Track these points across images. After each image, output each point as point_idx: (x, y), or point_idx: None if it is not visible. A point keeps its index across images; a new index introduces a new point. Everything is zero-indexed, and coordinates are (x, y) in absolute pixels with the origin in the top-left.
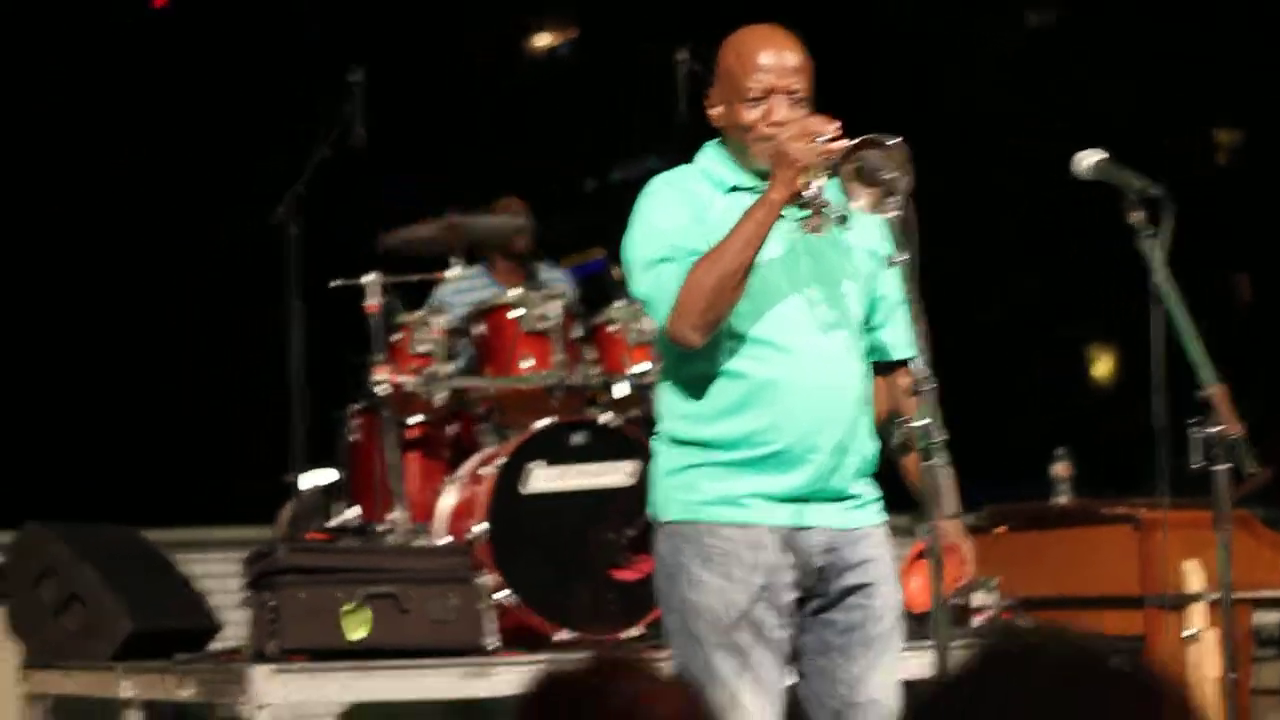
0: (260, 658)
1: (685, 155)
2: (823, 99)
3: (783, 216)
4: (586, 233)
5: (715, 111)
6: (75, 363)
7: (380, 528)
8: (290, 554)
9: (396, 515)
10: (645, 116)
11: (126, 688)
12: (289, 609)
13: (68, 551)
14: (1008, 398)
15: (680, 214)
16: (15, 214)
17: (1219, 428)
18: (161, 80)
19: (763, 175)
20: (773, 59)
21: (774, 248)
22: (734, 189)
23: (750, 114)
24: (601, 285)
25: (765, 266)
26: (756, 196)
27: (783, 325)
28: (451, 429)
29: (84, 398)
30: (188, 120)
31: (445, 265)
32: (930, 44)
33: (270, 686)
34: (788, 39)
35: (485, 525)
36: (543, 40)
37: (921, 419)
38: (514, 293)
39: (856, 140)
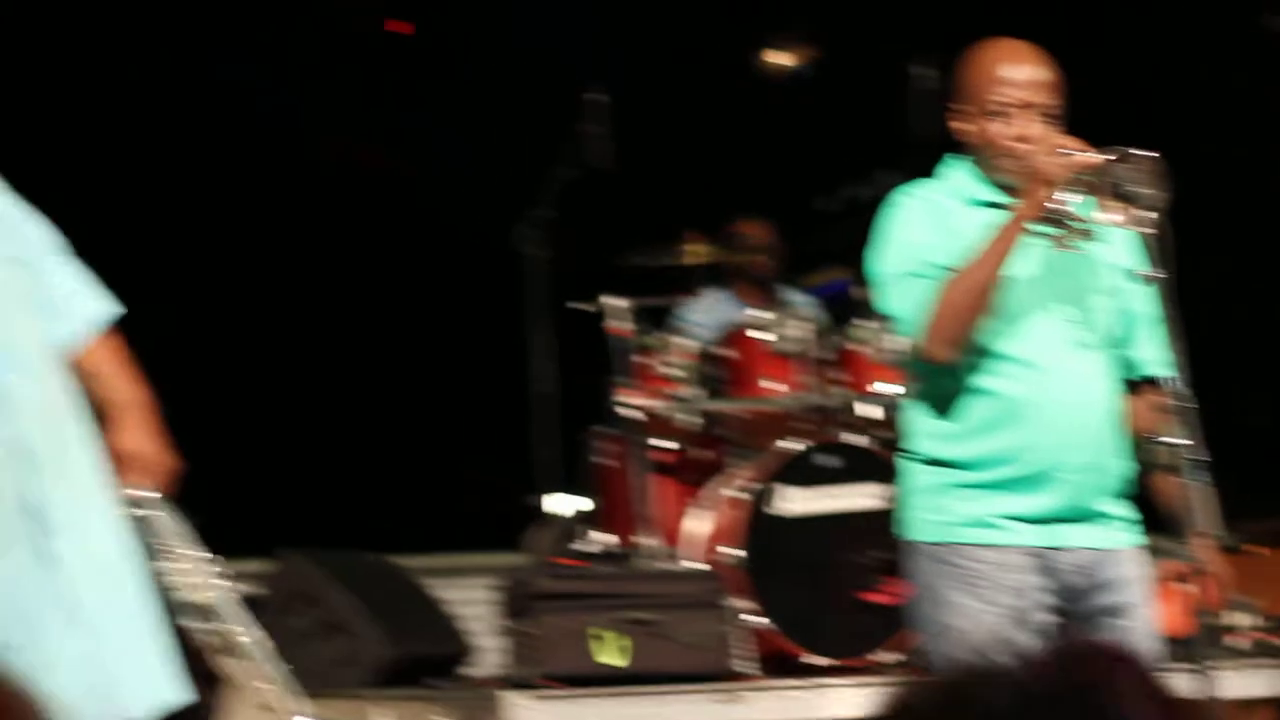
0: (517, 684)
1: (919, 172)
2: (1075, 113)
3: (1032, 232)
4: (827, 253)
5: (959, 125)
6: (322, 391)
7: (631, 552)
8: (546, 580)
9: (646, 539)
10: (879, 133)
11: (383, 714)
12: (546, 635)
13: (324, 579)
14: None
15: (927, 228)
16: (267, 247)
17: None
18: (402, 101)
19: (1008, 189)
20: (1018, 73)
21: (1024, 264)
22: (981, 203)
23: (996, 128)
24: (844, 305)
25: (1015, 283)
26: (1004, 211)
27: (1033, 342)
28: (699, 452)
29: (332, 425)
30: (429, 142)
31: (688, 287)
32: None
33: (528, 713)
34: (1033, 53)
35: (736, 549)
36: (781, 60)
37: (1176, 437)
38: (759, 314)
39: (1107, 154)
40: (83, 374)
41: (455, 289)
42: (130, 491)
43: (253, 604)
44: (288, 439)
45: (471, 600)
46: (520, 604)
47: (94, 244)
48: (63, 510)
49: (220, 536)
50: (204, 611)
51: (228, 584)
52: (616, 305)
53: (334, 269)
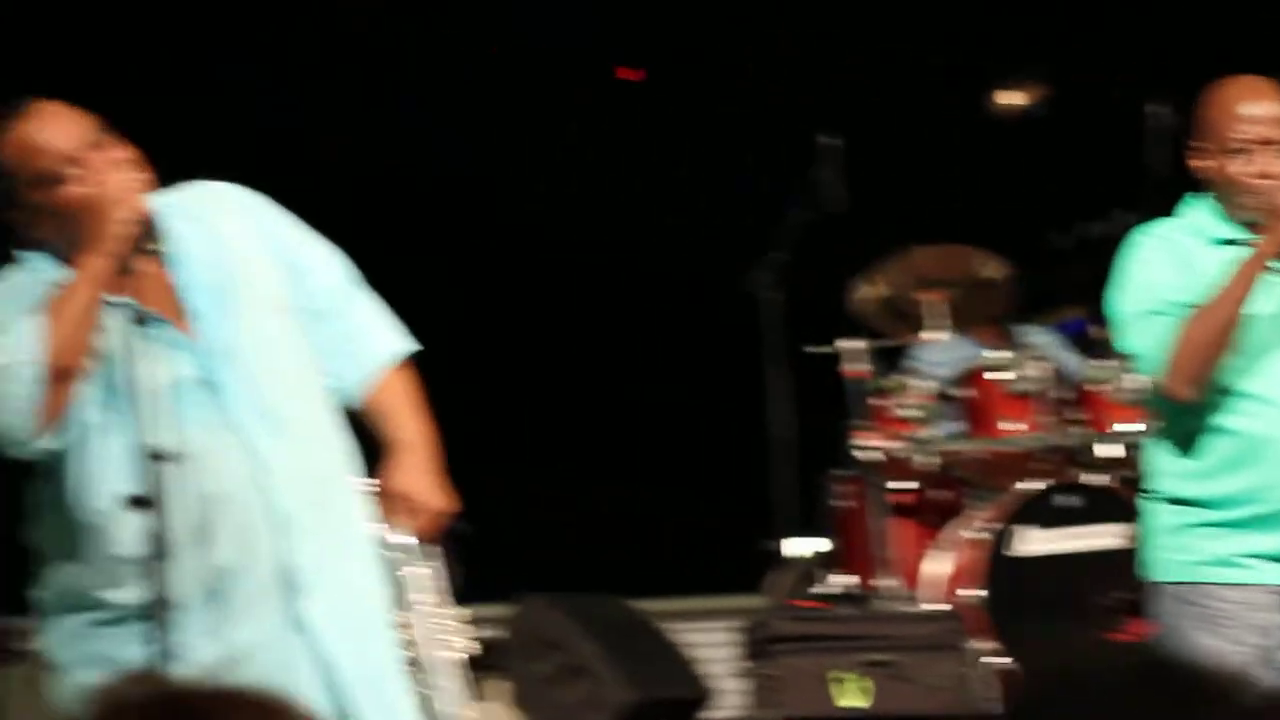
0: None
1: (1155, 209)
2: None
3: (1273, 269)
4: (1062, 291)
5: (1199, 163)
6: (563, 436)
7: (871, 594)
8: (786, 623)
9: (886, 581)
10: (1114, 171)
11: None
12: (786, 677)
13: (568, 623)
14: None
15: (1168, 267)
16: (509, 289)
17: None
18: (637, 146)
19: (1249, 226)
20: (1258, 109)
21: (1265, 301)
22: (1221, 241)
23: (1236, 166)
24: (1081, 344)
25: (1256, 320)
26: (1245, 249)
27: (1275, 380)
28: (937, 493)
29: (574, 470)
30: (661, 186)
31: (922, 328)
32: None
33: None
34: (1273, 90)
35: (977, 590)
36: (1013, 99)
37: None
38: (996, 354)
39: None
40: (372, 411)
41: (693, 335)
42: (395, 535)
43: (495, 649)
44: (529, 483)
45: (712, 643)
46: (760, 647)
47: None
48: (313, 572)
49: (462, 581)
50: (444, 666)
51: (468, 637)
52: (853, 348)
53: (574, 313)
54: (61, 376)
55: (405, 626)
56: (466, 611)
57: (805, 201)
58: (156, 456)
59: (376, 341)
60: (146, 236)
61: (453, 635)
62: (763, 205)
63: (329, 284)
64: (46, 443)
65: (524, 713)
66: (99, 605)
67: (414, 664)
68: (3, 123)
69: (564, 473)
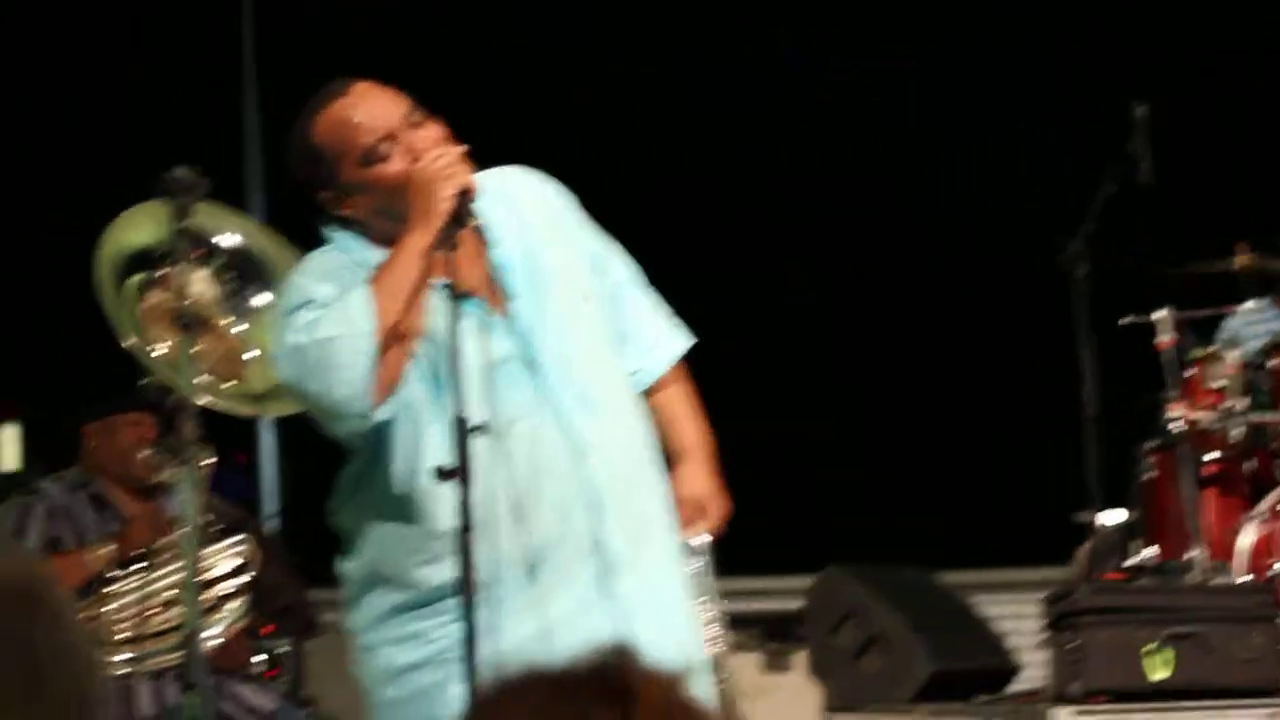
0: (1062, 699)
1: None
2: None
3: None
4: None
5: None
6: (869, 410)
7: (1178, 566)
8: (1092, 594)
9: (1194, 553)
10: None
11: None
12: (1091, 650)
13: (868, 594)
14: None
15: None
16: (822, 264)
17: None
18: (949, 124)
19: None
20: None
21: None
22: None
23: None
24: None
25: None
26: None
27: None
28: (1249, 465)
29: (879, 443)
30: (971, 164)
31: (1236, 298)
32: None
33: None
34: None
35: None
36: None
37: None
38: None
39: None
40: (654, 403)
41: (1004, 309)
42: (687, 539)
43: (798, 620)
44: (833, 455)
45: (1018, 615)
46: (1065, 619)
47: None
48: (624, 551)
49: (767, 553)
50: (715, 664)
51: (724, 636)
52: (1165, 319)
53: (888, 292)
54: (392, 349)
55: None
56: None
57: (1115, 174)
58: (469, 429)
59: (662, 337)
60: (467, 213)
61: (713, 635)
62: (1073, 179)
63: (619, 278)
64: (376, 415)
65: (825, 683)
66: (412, 584)
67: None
68: (321, 102)
69: (872, 445)
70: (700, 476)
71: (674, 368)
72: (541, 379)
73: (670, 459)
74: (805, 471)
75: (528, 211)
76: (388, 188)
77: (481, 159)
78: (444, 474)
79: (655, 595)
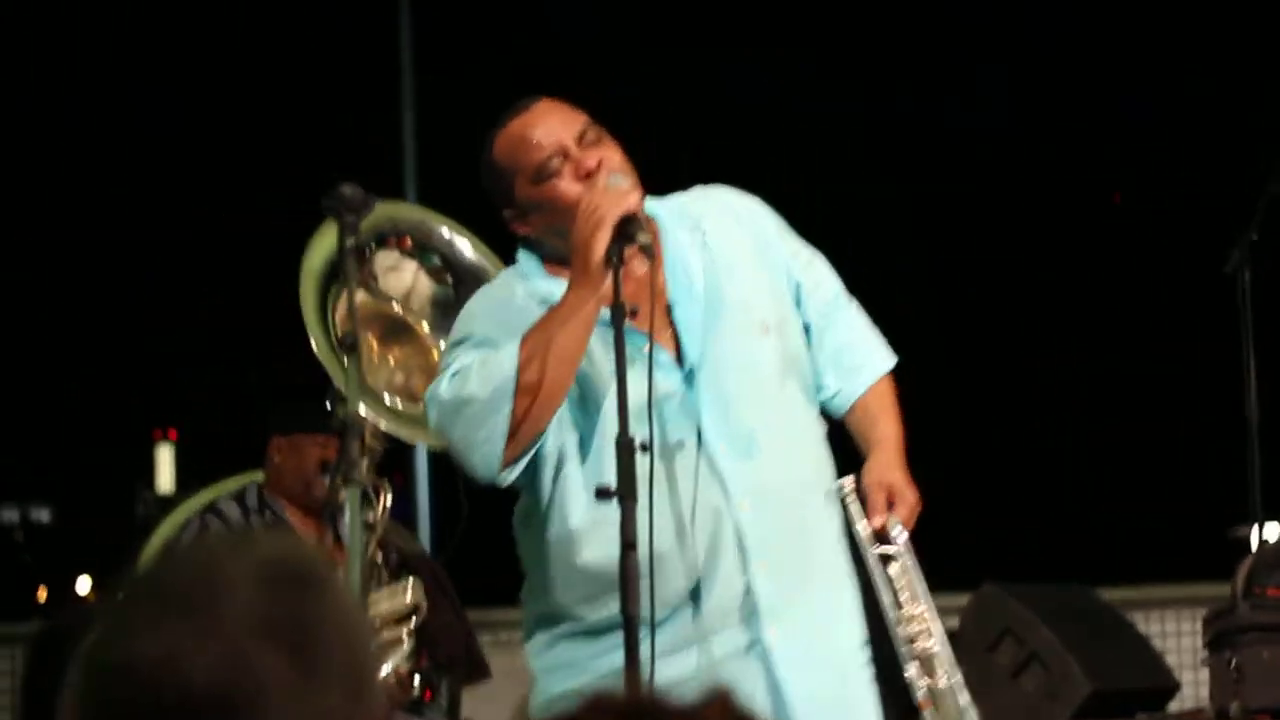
0: (1223, 717)
1: None
2: None
3: None
4: None
5: None
6: (1028, 425)
7: None
8: (1251, 612)
9: None
10: None
11: None
12: (1250, 668)
13: (1025, 612)
14: None
15: None
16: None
17: None
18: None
19: None
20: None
21: None
22: None
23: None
24: None
25: None
26: None
27: None
28: None
29: (1035, 458)
30: (1139, 166)
31: None
32: None
33: None
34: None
35: None
36: None
37: None
38: None
39: None
40: (854, 420)
41: (1167, 314)
42: (881, 526)
43: (954, 640)
44: (989, 472)
45: (1178, 633)
46: (1226, 637)
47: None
48: (774, 597)
49: (923, 570)
50: (926, 662)
51: (942, 630)
52: None
53: (1048, 293)
54: (533, 409)
55: (914, 620)
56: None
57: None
58: (631, 449)
59: (866, 358)
60: (636, 235)
61: (925, 630)
62: (1242, 183)
63: (823, 297)
64: (507, 478)
65: (982, 702)
66: (573, 618)
67: (927, 657)
68: (505, 118)
69: (1028, 460)
70: (891, 464)
71: (880, 381)
72: (696, 419)
73: (864, 451)
74: (961, 486)
75: (714, 234)
76: (557, 206)
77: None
78: (604, 493)
79: (807, 650)
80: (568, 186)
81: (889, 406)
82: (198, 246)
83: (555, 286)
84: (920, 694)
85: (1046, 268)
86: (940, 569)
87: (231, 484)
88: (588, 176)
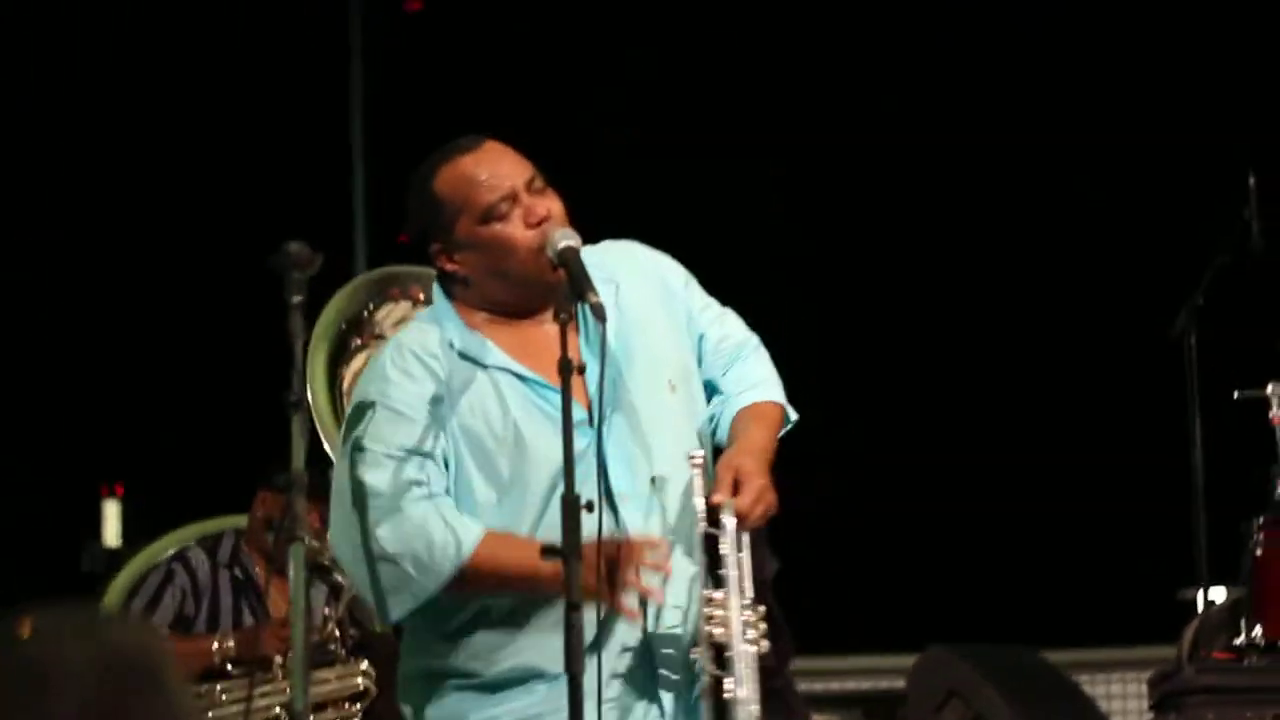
0: None
1: None
2: None
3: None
4: None
5: None
6: (969, 485)
7: None
8: (1198, 674)
9: None
10: None
11: None
12: None
13: (971, 673)
14: None
15: None
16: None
17: None
18: (1058, 190)
19: None
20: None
21: None
22: None
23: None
24: None
25: None
26: None
27: None
28: None
29: (978, 520)
30: (1084, 230)
31: None
32: None
33: None
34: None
35: None
36: None
37: None
38: None
39: None
40: (731, 428)
41: (1111, 379)
42: (716, 504)
43: (900, 699)
44: (934, 532)
45: (1124, 695)
46: (1172, 699)
47: None
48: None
49: (868, 631)
50: (718, 653)
51: (761, 636)
52: (1278, 393)
53: (994, 355)
54: (453, 600)
55: (716, 605)
56: (761, 609)
57: (1225, 244)
58: (577, 506)
59: (759, 385)
60: (587, 294)
61: (754, 629)
62: (1185, 248)
63: (728, 350)
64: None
65: None
66: (469, 674)
67: (717, 648)
68: (448, 154)
69: (972, 520)
70: (749, 453)
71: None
72: (602, 474)
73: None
74: (907, 548)
75: (626, 289)
76: (503, 249)
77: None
78: (552, 551)
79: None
80: (516, 231)
81: (768, 423)
82: (148, 301)
83: (471, 341)
84: (703, 681)
85: (993, 327)
86: (887, 630)
87: (212, 525)
88: (538, 224)
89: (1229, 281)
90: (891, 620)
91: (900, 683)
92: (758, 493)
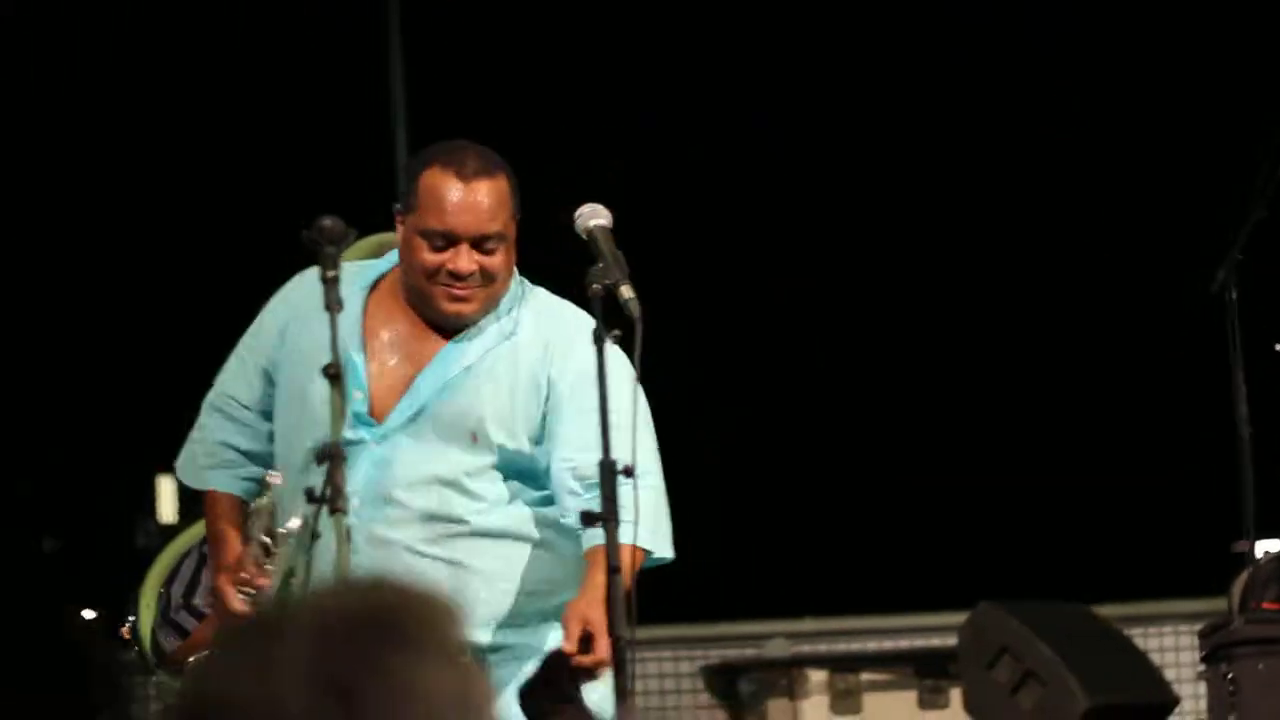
0: None
1: None
2: None
3: None
4: None
5: None
6: (1021, 443)
7: None
8: (1246, 625)
9: None
10: None
11: None
12: (1247, 681)
13: (1023, 629)
14: None
15: None
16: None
17: None
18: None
19: None
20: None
21: None
22: None
23: None
24: None
25: None
26: None
27: None
28: None
29: (1030, 475)
30: (1123, 188)
31: None
32: None
33: None
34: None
35: None
36: None
37: None
38: None
39: None
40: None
41: (1155, 333)
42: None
43: (951, 657)
44: (985, 490)
45: (1176, 648)
46: (1221, 651)
47: None
48: None
49: (919, 589)
50: None
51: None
52: None
53: (1043, 315)
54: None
55: None
56: None
57: (1265, 198)
58: (614, 471)
59: (648, 536)
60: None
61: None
62: (1225, 204)
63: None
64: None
65: (980, 719)
66: None
67: None
68: (452, 156)
69: (1023, 476)
70: (598, 606)
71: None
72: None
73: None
74: (957, 504)
75: (528, 354)
76: (410, 257)
77: None
78: (591, 518)
79: None
80: (428, 256)
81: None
82: (204, 278)
83: (352, 305)
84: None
85: (1041, 285)
86: (938, 587)
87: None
88: (453, 276)
89: (1267, 236)
90: (942, 578)
91: (951, 640)
92: (606, 650)
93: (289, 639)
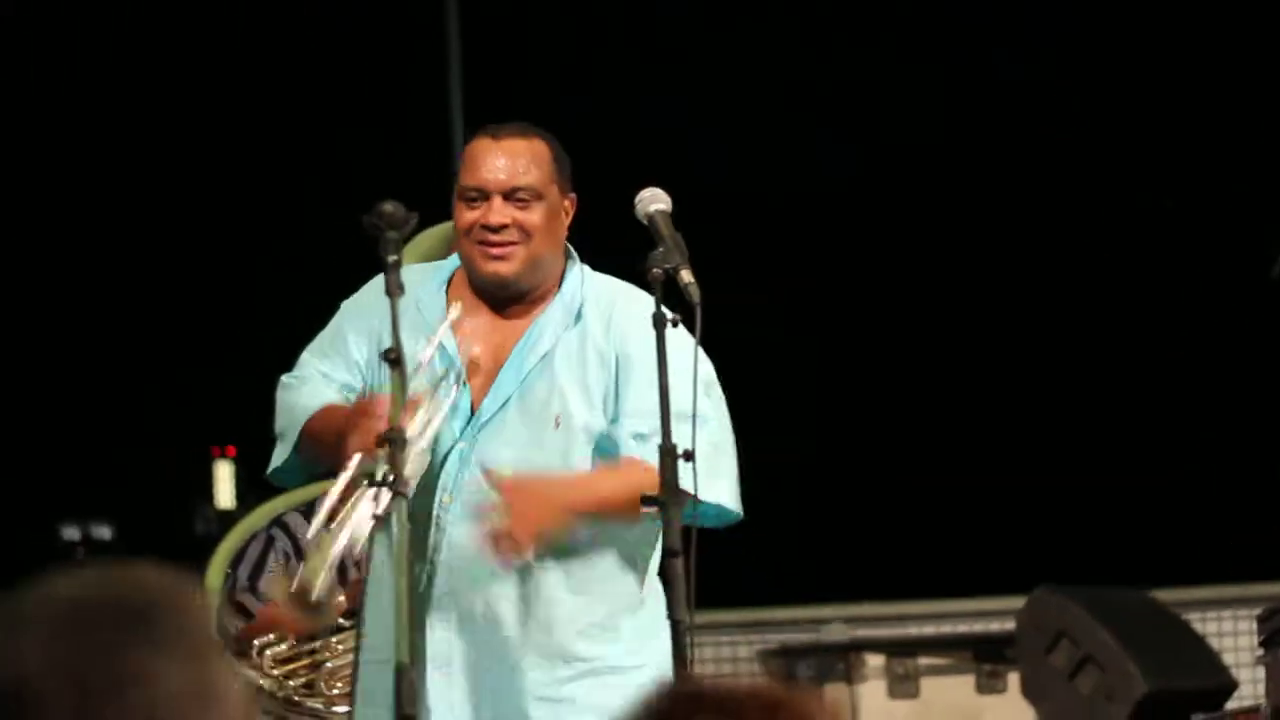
0: (1279, 715)
1: None
2: None
3: None
4: None
5: None
6: (1077, 428)
7: None
8: None
9: None
10: None
11: None
12: None
13: (1081, 614)
14: None
15: None
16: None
17: None
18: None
19: None
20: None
21: None
22: None
23: None
24: None
25: None
26: None
27: None
28: None
29: (1088, 460)
30: (1181, 173)
31: None
32: None
33: None
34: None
35: None
36: None
37: None
38: None
39: None
40: None
41: (1215, 317)
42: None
43: (1010, 641)
44: (1045, 474)
45: (1234, 632)
46: (1277, 634)
47: None
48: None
49: (978, 574)
50: None
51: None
52: None
53: (1099, 297)
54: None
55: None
56: None
57: None
58: (675, 455)
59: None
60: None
61: None
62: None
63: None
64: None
65: (1039, 704)
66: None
67: None
68: (481, 130)
69: (1080, 463)
70: (552, 487)
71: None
72: (452, 477)
73: None
74: (1015, 490)
75: (594, 334)
76: (456, 228)
77: None
78: (650, 501)
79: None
80: (465, 214)
81: (618, 483)
82: (257, 264)
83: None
84: None
85: (1108, 273)
86: (996, 572)
87: (299, 496)
88: (485, 230)
89: None
90: (1000, 562)
91: (1010, 625)
92: (516, 524)
93: (33, 625)
